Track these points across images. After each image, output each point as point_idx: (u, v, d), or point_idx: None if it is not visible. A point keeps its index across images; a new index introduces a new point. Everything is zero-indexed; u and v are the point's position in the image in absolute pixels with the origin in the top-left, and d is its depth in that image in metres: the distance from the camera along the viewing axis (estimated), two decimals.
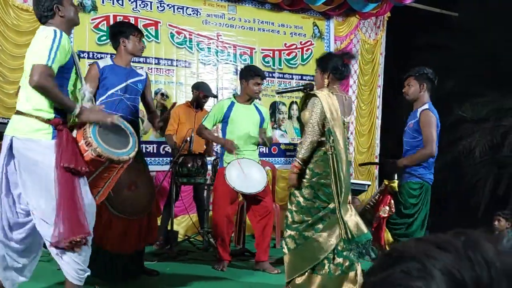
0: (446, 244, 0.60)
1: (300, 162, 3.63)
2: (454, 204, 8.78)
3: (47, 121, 2.84)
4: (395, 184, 4.14)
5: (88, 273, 2.96)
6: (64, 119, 2.92)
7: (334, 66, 3.76)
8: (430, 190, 4.24)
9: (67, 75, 2.94)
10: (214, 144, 5.74)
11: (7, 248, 2.94)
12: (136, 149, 3.00)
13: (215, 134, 5.38)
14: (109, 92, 3.89)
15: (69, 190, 2.77)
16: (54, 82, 2.80)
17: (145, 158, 4.74)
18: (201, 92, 5.65)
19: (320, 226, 3.57)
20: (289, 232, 3.66)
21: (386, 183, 4.18)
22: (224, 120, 4.77)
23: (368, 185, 6.33)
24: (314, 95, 3.68)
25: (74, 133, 2.95)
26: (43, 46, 2.79)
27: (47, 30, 2.88)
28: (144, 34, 4.20)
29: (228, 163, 4.59)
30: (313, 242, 3.55)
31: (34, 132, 2.84)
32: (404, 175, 4.22)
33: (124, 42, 3.96)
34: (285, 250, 3.66)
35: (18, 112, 2.92)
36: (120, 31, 4.01)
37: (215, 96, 5.84)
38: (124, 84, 3.95)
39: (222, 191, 4.60)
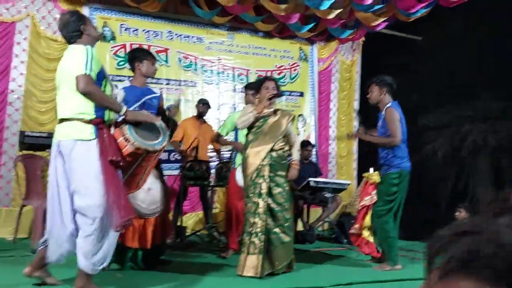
0: None
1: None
2: (417, 200, 8.76)
3: (89, 121, 2.82)
4: (376, 176, 4.15)
5: (105, 265, 2.93)
6: (103, 119, 2.91)
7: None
8: (408, 176, 4.24)
9: (99, 82, 2.91)
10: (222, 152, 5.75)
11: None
12: (166, 140, 3.07)
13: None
14: (130, 109, 3.86)
15: (115, 180, 2.80)
16: (98, 87, 2.81)
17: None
18: (199, 103, 5.73)
19: None
20: None
21: (366, 175, 4.20)
22: (236, 129, 4.77)
23: (348, 184, 6.30)
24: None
25: (112, 131, 2.95)
26: (80, 59, 2.79)
27: (78, 48, 2.88)
28: (156, 59, 4.14)
29: (240, 165, 4.55)
30: None
31: (79, 133, 2.82)
32: (383, 167, 4.24)
33: (139, 66, 3.92)
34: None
35: (62, 120, 2.91)
36: (136, 56, 3.97)
37: (206, 102, 5.80)
38: (141, 101, 3.92)
39: (234, 189, 4.58)
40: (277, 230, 3.81)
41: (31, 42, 5.74)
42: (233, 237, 4.63)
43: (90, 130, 2.82)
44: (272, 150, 3.88)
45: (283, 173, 3.93)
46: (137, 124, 2.96)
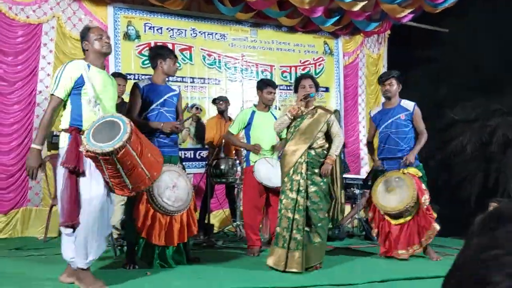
0: None
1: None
2: (446, 197, 8.55)
3: (65, 130, 3.01)
4: (415, 170, 4.10)
5: (90, 260, 3.02)
6: (79, 128, 2.98)
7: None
8: None
9: (77, 90, 3.03)
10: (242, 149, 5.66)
11: None
12: (124, 138, 2.75)
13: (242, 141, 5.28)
14: (151, 107, 3.82)
15: (68, 185, 2.89)
16: (47, 111, 2.99)
17: (184, 163, 4.69)
18: (214, 103, 5.72)
19: None
20: None
21: (412, 171, 4.12)
22: (247, 126, 4.67)
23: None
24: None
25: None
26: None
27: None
28: (180, 57, 4.11)
29: (255, 161, 4.49)
30: None
31: (61, 141, 3.04)
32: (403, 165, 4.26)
33: (162, 64, 3.88)
34: None
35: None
36: (159, 53, 3.93)
37: (225, 98, 5.76)
38: (162, 99, 3.88)
39: (250, 185, 4.50)
40: (306, 229, 3.73)
41: (57, 43, 5.79)
42: (256, 234, 4.55)
43: (64, 138, 3.00)
44: (310, 148, 3.80)
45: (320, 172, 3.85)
46: (100, 127, 2.85)
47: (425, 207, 4.10)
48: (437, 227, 4.13)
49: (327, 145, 3.89)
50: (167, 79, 4.02)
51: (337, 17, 6.80)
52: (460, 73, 8.48)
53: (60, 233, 5.07)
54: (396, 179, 4.14)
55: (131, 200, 3.69)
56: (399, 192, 4.08)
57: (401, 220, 4.16)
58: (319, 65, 7.30)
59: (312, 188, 3.77)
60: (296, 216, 3.69)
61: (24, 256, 4.32)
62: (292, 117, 3.85)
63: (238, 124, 4.67)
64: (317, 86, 3.99)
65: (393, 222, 4.18)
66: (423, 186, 4.17)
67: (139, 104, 3.79)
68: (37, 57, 5.69)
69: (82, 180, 2.92)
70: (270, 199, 4.55)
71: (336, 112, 4.07)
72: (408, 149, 4.29)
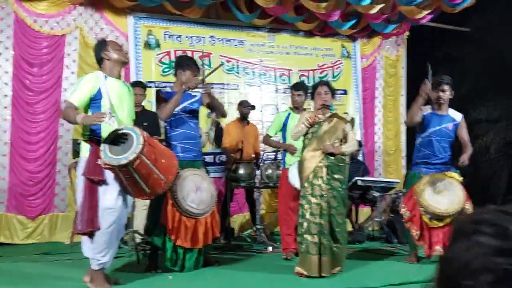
0: None
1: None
2: (472, 196, 8.45)
3: (86, 141, 3.16)
4: (457, 174, 4.08)
5: (103, 262, 3.18)
6: (98, 138, 3.12)
7: None
8: None
9: (96, 102, 3.17)
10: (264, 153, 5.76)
11: None
12: (137, 150, 2.91)
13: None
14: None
15: (88, 194, 3.03)
16: (66, 109, 3.12)
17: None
18: (242, 106, 5.76)
19: None
20: None
21: (454, 176, 4.09)
22: (283, 128, 4.79)
23: (397, 183, 6.17)
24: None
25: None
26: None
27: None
28: (200, 69, 4.18)
29: (290, 165, 4.57)
30: None
31: (82, 151, 3.20)
32: (444, 166, 4.24)
33: (181, 74, 4.01)
34: None
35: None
36: (179, 64, 4.07)
37: (253, 106, 5.84)
38: (182, 106, 3.99)
39: (285, 188, 4.59)
40: (328, 233, 3.79)
41: (80, 53, 5.98)
42: (290, 237, 4.57)
43: (85, 148, 3.14)
44: (328, 154, 3.87)
45: (340, 177, 3.89)
46: (115, 140, 3.00)
47: (468, 213, 4.05)
48: None
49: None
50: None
51: (354, 21, 6.81)
52: (482, 73, 8.37)
53: None
54: (443, 182, 4.05)
55: (156, 206, 3.80)
56: (449, 194, 3.99)
57: (442, 223, 4.05)
58: (337, 68, 7.33)
59: (331, 193, 3.82)
60: (322, 221, 3.74)
61: (51, 261, 4.49)
62: (309, 126, 3.91)
63: (275, 127, 4.85)
64: (333, 92, 4.06)
65: (432, 223, 4.05)
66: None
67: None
68: (61, 67, 5.88)
69: (102, 189, 3.07)
70: None
71: (352, 120, 4.11)
72: (447, 158, 4.26)
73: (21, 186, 5.58)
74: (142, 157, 2.93)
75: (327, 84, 4.10)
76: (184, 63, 4.03)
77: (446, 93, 4.23)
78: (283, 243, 4.66)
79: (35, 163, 5.67)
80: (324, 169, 3.82)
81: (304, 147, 4.01)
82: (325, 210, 3.77)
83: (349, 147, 3.95)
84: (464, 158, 4.17)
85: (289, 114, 4.80)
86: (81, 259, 4.38)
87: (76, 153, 5.20)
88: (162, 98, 3.98)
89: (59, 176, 5.78)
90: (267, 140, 4.91)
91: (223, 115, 4.59)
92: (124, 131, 3.02)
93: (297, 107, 4.77)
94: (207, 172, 4.22)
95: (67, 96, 3.18)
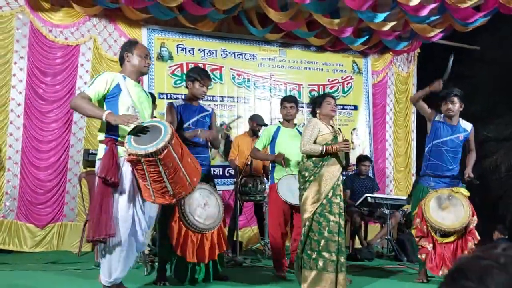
0: (504, 264, 0.59)
1: None
2: (483, 214, 8.38)
3: (102, 141, 3.01)
4: (464, 190, 4.05)
5: (114, 279, 3.01)
6: (115, 138, 2.98)
7: None
8: None
9: (114, 98, 3.04)
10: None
11: None
12: (166, 139, 2.75)
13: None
14: (184, 126, 3.96)
15: (102, 198, 2.85)
16: (82, 100, 2.92)
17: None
18: (254, 122, 5.71)
19: None
20: None
21: (461, 191, 4.05)
22: (272, 142, 4.71)
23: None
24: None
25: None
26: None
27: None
28: (210, 81, 4.17)
29: (279, 179, 4.49)
30: None
31: (98, 153, 3.04)
32: (453, 181, 4.19)
33: (190, 85, 4.03)
34: None
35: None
36: (189, 75, 4.07)
37: (266, 125, 5.83)
38: (195, 119, 4.01)
39: (275, 203, 4.50)
40: (343, 249, 3.82)
41: (94, 63, 6.05)
42: (282, 254, 4.51)
43: (101, 149, 2.99)
44: (343, 169, 3.90)
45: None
46: (141, 131, 2.83)
47: (471, 226, 4.00)
48: (473, 247, 4.05)
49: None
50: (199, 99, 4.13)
51: (366, 37, 6.85)
52: (492, 91, 8.37)
53: (93, 247, 5.25)
54: (449, 197, 4.01)
55: (164, 218, 3.80)
56: (454, 210, 3.96)
57: (450, 239, 4.02)
58: (347, 83, 7.35)
59: (342, 210, 3.85)
60: (340, 239, 3.73)
61: (59, 270, 4.49)
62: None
63: (263, 139, 4.74)
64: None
65: (440, 239, 4.03)
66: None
67: (176, 121, 3.94)
68: (74, 77, 5.94)
69: (116, 196, 2.92)
70: (294, 218, 4.54)
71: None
72: (456, 171, 4.23)
73: (31, 195, 5.61)
74: (170, 148, 2.76)
75: (334, 97, 4.10)
76: (192, 74, 4.05)
77: (456, 105, 4.20)
78: (274, 262, 4.56)
79: (46, 172, 5.71)
80: (342, 187, 3.85)
81: (323, 161, 3.88)
82: (342, 228, 3.78)
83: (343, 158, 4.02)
84: (469, 171, 4.16)
85: (278, 127, 4.73)
86: (88, 269, 4.43)
87: (86, 162, 5.24)
88: (173, 112, 3.99)
89: (69, 185, 5.81)
90: (255, 153, 4.78)
91: (215, 147, 4.53)
92: (150, 123, 2.89)
93: (288, 120, 4.73)
94: (215, 185, 4.18)
95: (83, 88, 3.04)
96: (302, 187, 3.86)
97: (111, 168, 2.85)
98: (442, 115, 4.31)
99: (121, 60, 3.19)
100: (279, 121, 4.97)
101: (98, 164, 2.97)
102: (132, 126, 2.85)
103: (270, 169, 4.79)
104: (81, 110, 2.93)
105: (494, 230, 6.50)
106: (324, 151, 3.78)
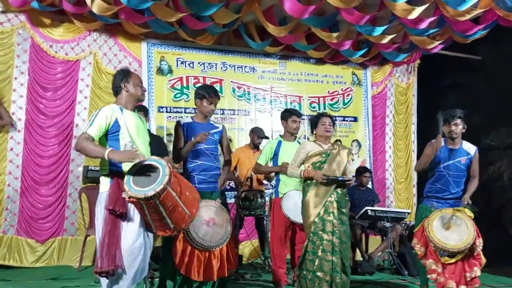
0: None
1: None
2: (486, 222, 8.35)
3: (106, 175, 3.01)
4: (468, 210, 4.01)
5: None
6: (120, 171, 2.98)
7: None
8: None
9: (114, 135, 3.05)
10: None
11: None
12: (165, 181, 2.77)
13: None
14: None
15: (111, 229, 2.86)
16: (86, 142, 2.90)
17: None
18: (255, 135, 5.71)
19: None
20: None
21: (466, 211, 4.00)
22: (274, 157, 4.72)
23: (408, 213, 6.12)
24: None
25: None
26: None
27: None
28: (217, 99, 4.13)
29: (283, 194, 4.50)
30: None
31: (102, 186, 3.05)
32: (457, 202, 4.13)
33: (199, 103, 4.02)
34: None
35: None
36: (197, 93, 4.05)
37: (267, 137, 5.83)
38: None
39: (278, 218, 4.51)
40: (339, 269, 3.74)
41: (94, 78, 6.08)
42: (282, 270, 4.51)
43: (105, 183, 3.00)
44: (337, 187, 3.86)
45: (346, 211, 3.91)
46: (139, 171, 2.87)
47: (478, 250, 3.94)
48: (478, 272, 4.00)
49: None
50: (208, 116, 4.09)
51: (366, 49, 6.86)
52: (494, 100, 8.36)
53: (93, 262, 5.25)
54: (453, 217, 3.95)
55: (168, 238, 3.73)
56: (458, 230, 3.89)
57: (453, 260, 3.94)
58: (347, 95, 7.37)
59: (341, 228, 3.80)
60: (334, 259, 3.71)
61: (60, 287, 4.49)
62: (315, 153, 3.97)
63: (266, 155, 4.74)
64: (334, 124, 4.12)
65: (443, 259, 3.95)
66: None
67: (182, 139, 3.97)
68: (75, 92, 5.97)
69: (124, 226, 2.93)
70: (295, 236, 4.54)
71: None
72: (460, 194, 4.16)
73: (32, 210, 5.62)
74: (169, 189, 2.80)
75: (330, 116, 4.14)
76: (201, 92, 4.04)
77: (459, 127, 4.13)
78: (274, 276, 4.56)
79: (47, 187, 5.73)
80: (335, 204, 3.81)
81: (305, 180, 3.98)
82: (336, 247, 3.73)
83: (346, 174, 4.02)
84: (467, 198, 4.07)
85: (280, 142, 4.74)
86: (89, 286, 4.43)
87: (85, 179, 5.26)
88: (180, 130, 3.98)
89: (69, 199, 5.82)
90: (258, 168, 4.78)
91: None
92: (148, 162, 2.91)
93: (292, 134, 4.75)
94: (225, 202, 4.14)
95: (83, 128, 3.00)
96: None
97: (118, 200, 2.87)
98: (443, 139, 4.24)
99: (117, 90, 3.19)
100: (280, 135, 4.98)
101: (102, 197, 2.98)
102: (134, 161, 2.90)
103: (275, 182, 4.79)
104: (85, 152, 2.95)
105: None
106: (302, 174, 3.93)
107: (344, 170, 3.99)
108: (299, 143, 4.74)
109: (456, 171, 4.15)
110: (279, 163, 4.64)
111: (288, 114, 4.74)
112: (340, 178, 3.84)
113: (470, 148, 4.21)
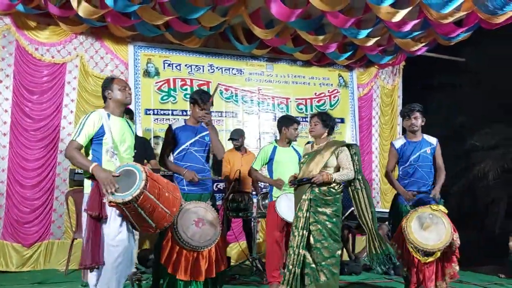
0: None
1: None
2: (470, 224, 8.45)
3: (88, 177, 3.16)
4: (443, 207, 4.07)
5: None
6: None
7: None
8: None
9: (98, 140, 3.20)
10: (260, 183, 5.75)
11: None
12: (141, 186, 2.92)
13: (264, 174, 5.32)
14: (181, 148, 4.00)
15: (91, 229, 3.04)
16: (75, 152, 3.11)
17: None
18: (233, 141, 5.78)
19: None
20: None
21: (441, 209, 4.06)
22: (270, 162, 4.82)
23: None
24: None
25: None
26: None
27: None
28: (210, 104, 4.16)
29: (277, 197, 4.63)
30: None
31: (85, 187, 3.19)
32: (432, 199, 4.21)
33: (191, 108, 4.08)
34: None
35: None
36: (191, 98, 4.11)
37: (236, 139, 5.84)
38: (193, 140, 4.04)
39: (272, 220, 4.64)
40: (313, 266, 3.81)
41: (80, 81, 6.06)
42: (276, 270, 4.60)
43: (88, 185, 3.16)
44: (314, 185, 3.88)
45: (326, 210, 3.86)
46: (118, 177, 3.02)
47: (456, 244, 4.01)
48: (456, 267, 4.09)
49: (335, 184, 3.91)
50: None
51: (351, 52, 6.94)
52: (478, 101, 8.48)
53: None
54: (430, 216, 4.01)
55: (161, 239, 3.80)
56: (436, 229, 3.96)
57: (432, 258, 4.01)
58: (334, 97, 7.44)
59: (315, 226, 3.84)
60: (304, 253, 3.82)
61: None
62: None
63: (261, 160, 4.85)
64: (324, 122, 4.12)
65: (422, 259, 4.02)
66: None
67: (170, 145, 4.06)
68: (61, 95, 5.95)
69: (105, 225, 3.07)
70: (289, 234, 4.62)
71: (354, 146, 4.09)
72: (431, 183, 4.32)
73: (18, 213, 5.59)
74: (146, 193, 2.97)
75: (316, 115, 4.20)
76: (193, 97, 4.09)
77: (419, 120, 4.37)
78: (268, 276, 4.65)
79: (33, 190, 5.69)
80: (307, 202, 3.89)
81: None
82: (313, 244, 3.83)
83: (341, 175, 3.89)
84: (436, 192, 4.21)
85: (275, 147, 4.81)
86: None
87: (72, 181, 5.24)
88: (169, 136, 4.04)
89: (56, 203, 5.79)
90: (253, 174, 4.90)
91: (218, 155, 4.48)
92: (126, 168, 3.06)
93: (288, 141, 4.83)
94: (215, 204, 4.17)
95: (72, 136, 3.16)
96: None
97: (98, 204, 3.03)
98: (403, 136, 4.56)
99: (104, 99, 3.34)
100: (275, 140, 5.03)
101: (86, 198, 3.13)
102: (109, 161, 3.13)
103: (269, 186, 4.92)
104: (73, 162, 3.15)
105: (509, 236, 6.19)
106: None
107: (332, 168, 3.96)
108: (294, 148, 4.83)
109: (424, 161, 4.33)
110: (274, 167, 4.78)
111: (290, 122, 4.83)
112: (303, 179, 3.96)
113: (431, 139, 4.44)
